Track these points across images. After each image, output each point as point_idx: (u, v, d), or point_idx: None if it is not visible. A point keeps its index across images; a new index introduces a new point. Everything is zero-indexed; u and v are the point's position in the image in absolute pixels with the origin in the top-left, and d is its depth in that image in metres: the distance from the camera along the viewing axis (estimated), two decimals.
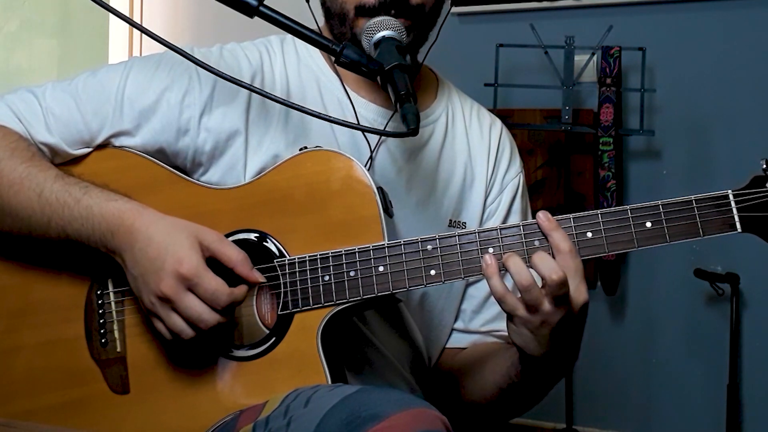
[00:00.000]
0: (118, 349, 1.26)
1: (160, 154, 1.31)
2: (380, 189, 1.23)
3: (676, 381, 2.80)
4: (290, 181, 1.25)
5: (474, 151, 1.45)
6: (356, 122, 1.34)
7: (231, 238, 1.24)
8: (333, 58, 1.19)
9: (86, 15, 3.36)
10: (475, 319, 1.44)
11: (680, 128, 2.78)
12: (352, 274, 1.19)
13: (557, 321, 1.12)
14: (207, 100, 1.30)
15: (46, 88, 1.32)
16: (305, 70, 1.39)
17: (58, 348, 1.27)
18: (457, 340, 1.45)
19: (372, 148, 1.36)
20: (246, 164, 1.31)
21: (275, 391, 1.16)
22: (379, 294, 1.19)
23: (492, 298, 1.20)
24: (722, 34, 2.73)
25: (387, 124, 1.36)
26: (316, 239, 1.22)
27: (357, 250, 1.20)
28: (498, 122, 1.52)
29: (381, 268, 1.19)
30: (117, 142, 1.31)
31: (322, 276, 1.20)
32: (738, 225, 1.14)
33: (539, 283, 1.12)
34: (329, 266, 1.20)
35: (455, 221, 1.41)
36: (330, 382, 1.17)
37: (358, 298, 1.19)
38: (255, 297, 1.27)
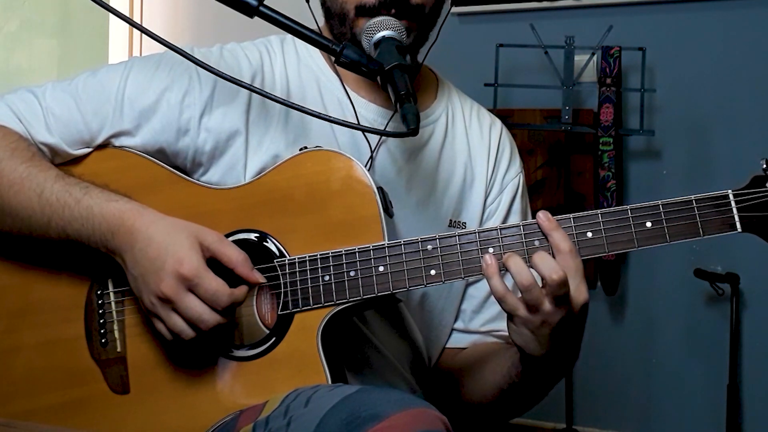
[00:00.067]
0: (118, 349, 1.26)
1: (160, 154, 1.31)
2: (380, 189, 1.23)
3: (676, 381, 2.80)
4: (290, 181, 1.25)
5: (474, 151, 1.45)
6: (356, 122, 1.34)
7: (231, 238, 1.24)
8: (333, 58, 1.19)
9: (86, 15, 3.36)
10: (475, 319, 1.44)
11: (680, 128, 2.78)
12: (352, 274, 1.19)
13: (557, 321, 1.12)
14: (207, 100, 1.30)
15: (46, 88, 1.32)
16: (305, 70, 1.39)
17: (58, 348, 1.27)
18: (457, 340, 1.45)
19: (372, 148, 1.36)
20: (246, 164, 1.31)
21: (275, 391, 1.16)
22: (379, 294, 1.19)
23: (492, 298, 1.20)
24: (722, 34, 2.73)
25: (387, 124, 1.36)
26: (316, 239, 1.22)
27: (357, 250, 1.20)
28: (498, 122, 1.52)
29: (381, 268, 1.19)
30: (117, 142, 1.31)
31: (322, 276, 1.20)
32: (738, 225, 1.14)
33: (539, 283, 1.12)
34: (329, 266, 1.20)
35: (455, 221, 1.41)
36: (330, 382, 1.17)
37: (358, 298, 1.19)
38: (255, 297, 1.27)
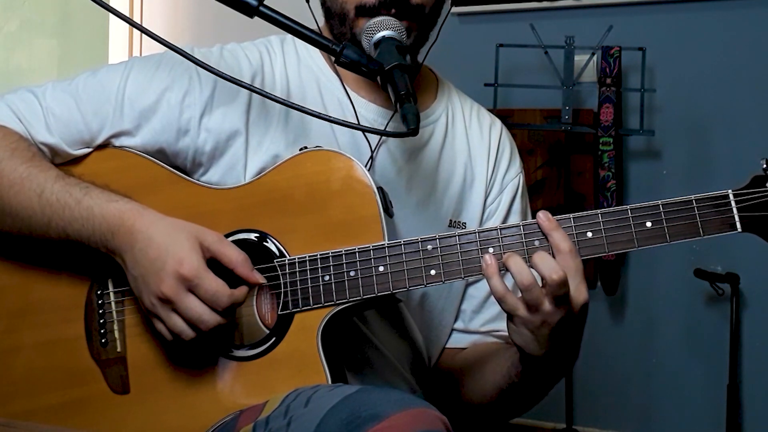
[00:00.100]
0: (118, 349, 1.26)
1: (161, 154, 1.31)
2: (380, 189, 1.23)
3: (676, 381, 2.80)
4: (290, 181, 1.25)
5: (474, 152, 1.45)
6: (356, 122, 1.34)
7: (231, 238, 1.24)
8: (333, 58, 1.19)
9: (86, 15, 3.36)
10: (475, 319, 1.44)
11: (680, 128, 2.78)
12: (352, 274, 1.19)
13: (557, 321, 1.12)
14: (207, 101, 1.30)
15: (46, 88, 1.32)
16: (305, 71, 1.39)
17: (58, 348, 1.27)
18: (457, 340, 1.45)
19: (372, 149, 1.36)
20: (246, 164, 1.31)
21: (275, 391, 1.16)
22: (380, 294, 1.19)
23: (492, 298, 1.20)
24: (722, 34, 2.73)
25: (387, 124, 1.36)
26: (316, 239, 1.22)
27: (357, 250, 1.20)
28: (498, 122, 1.52)
29: (381, 268, 1.19)
30: (117, 142, 1.31)
31: (322, 276, 1.20)
32: (738, 225, 1.14)
33: (539, 283, 1.12)
34: (329, 266, 1.20)
35: (455, 221, 1.41)
36: (330, 382, 1.17)
37: (358, 298, 1.19)
38: (255, 297, 1.27)
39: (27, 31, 3.23)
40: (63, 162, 1.31)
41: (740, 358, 2.68)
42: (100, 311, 1.27)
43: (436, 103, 1.45)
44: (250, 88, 1.21)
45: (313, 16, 1.39)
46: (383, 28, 1.25)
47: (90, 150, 1.32)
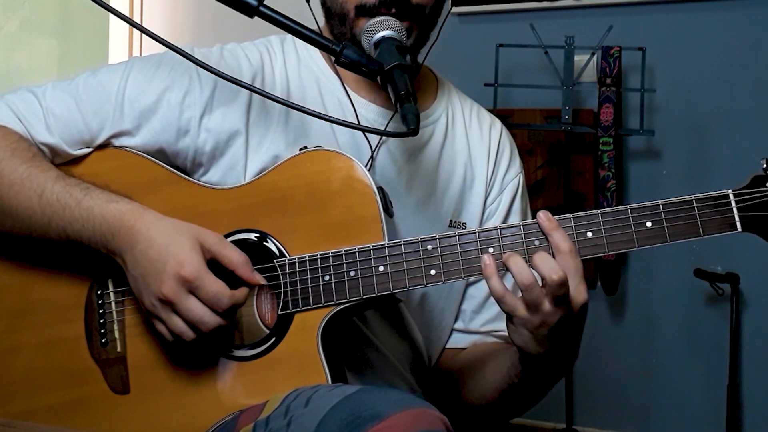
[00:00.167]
0: (119, 349, 1.26)
1: (161, 154, 1.31)
2: (380, 189, 1.23)
3: (676, 381, 2.80)
4: (290, 181, 1.25)
5: (474, 152, 1.45)
6: (357, 122, 1.34)
7: (231, 238, 1.24)
8: (333, 58, 1.19)
9: (86, 15, 3.36)
10: (475, 320, 1.44)
11: (680, 128, 2.78)
12: (352, 273, 1.19)
13: (557, 321, 1.12)
14: (207, 101, 1.30)
15: (46, 88, 1.32)
16: (305, 71, 1.39)
17: (58, 348, 1.27)
18: (457, 341, 1.45)
19: (372, 149, 1.36)
20: (246, 164, 1.31)
21: (275, 391, 1.16)
22: (380, 294, 1.19)
23: (492, 298, 1.20)
24: (722, 34, 2.73)
25: (387, 124, 1.36)
26: (316, 239, 1.22)
27: (357, 249, 1.20)
28: (498, 123, 1.52)
29: (381, 268, 1.19)
30: (117, 142, 1.31)
31: (322, 276, 1.20)
32: (738, 224, 1.14)
33: (539, 283, 1.12)
34: (329, 266, 1.20)
35: (455, 221, 1.41)
36: (330, 382, 1.17)
37: (358, 298, 1.19)
38: (255, 297, 1.27)
39: (27, 31, 3.23)
40: (63, 162, 1.31)
41: (740, 358, 2.68)
42: (100, 311, 1.27)
43: (436, 104, 1.45)
44: (251, 88, 1.21)
45: (314, 16, 1.39)
46: (383, 28, 1.25)
47: (90, 150, 1.32)
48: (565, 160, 2.81)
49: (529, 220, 1.21)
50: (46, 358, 1.26)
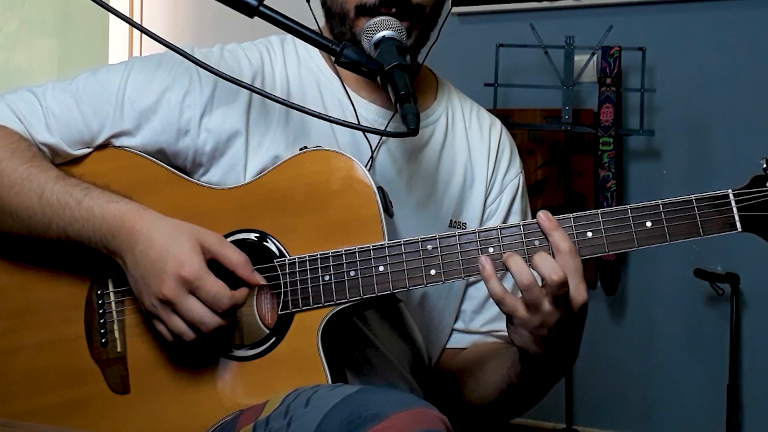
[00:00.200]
0: (119, 349, 1.26)
1: (161, 154, 1.31)
2: (380, 189, 1.23)
3: (676, 381, 2.80)
4: (290, 180, 1.25)
5: (474, 152, 1.45)
6: (357, 122, 1.34)
7: (231, 238, 1.24)
8: (333, 58, 1.19)
9: (86, 15, 3.36)
10: (476, 320, 1.44)
11: (680, 128, 2.78)
12: (352, 273, 1.19)
13: (557, 321, 1.12)
14: (207, 101, 1.30)
15: (46, 87, 1.32)
16: (305, 71, 1.39)
17: (58, 348, 1.27)
18: (458, 341, 1.45)
19: (372, 149, 1.36)
20: (246, 165, 1.31)
21: (275, 391, 1.16)
22: (380, 294, 1.19)
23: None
24: (722, 34, 2.73)
25: (387, 124, 1.36)
26: (316, 239, 1.22)
27: (357, 249, 1.20)
28: (498, 123, 1.52)
29: (381, 268, 1.19)
30: (117, 142, 1.31)
31: (322, 276, 1.20)
32: (738, 224, 1.14)
33: (539, 283, 1.12)
34: (329, 266, 1.20)
35: (455, 222, 1.41)
36: (330, 382, 1.17)
37: (358, 297, 1.19)
38: (255, 297, 1.27)
39: (27, 31, 3.23)
40: (63, 162, 1.31)
41: (740, 358, 2.68)
42: (100, 311, 1.27)
43: (436, 104, 1.45)
44: (251, 89, 1.21)
45: (314, 16, 1.39)
46: (383, 28, 1.25)
47: (90, 150, 1.32)
48: (565, 160, 2.81)
49: (529, 220, 1.21)
50: (46, 358, 1.26)
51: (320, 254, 1.21)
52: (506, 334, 1.21)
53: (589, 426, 2.87)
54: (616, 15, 2.79)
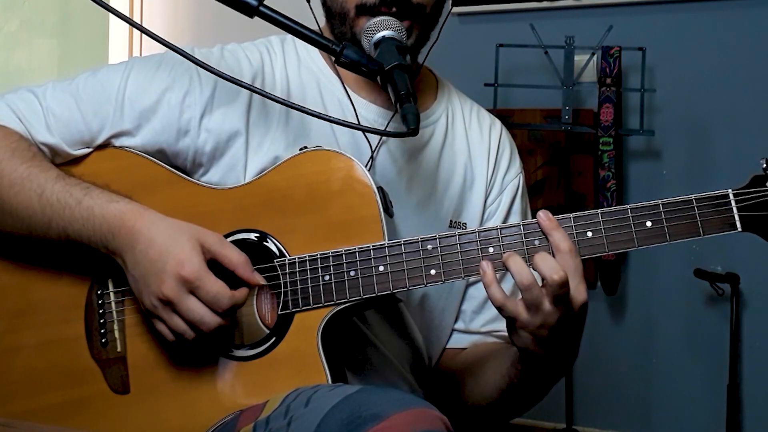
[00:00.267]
0: (119, 349, 1.26)
1: (161, 154, 1.31)
2: (380, 189, 1.23)
3: (676, 381, 2.80)
4: (290, 180, 1.25)
5: (474, 152, 1.45)
6: (357, 123, 1.34)
7: (231, 238, 1.24)
8: (333, 58, 1.19)
9: (86, 15, 3.36)
10: (476, 320, 1.44)
11: (680, 128, 2.78)
12: (352, 273, 1.19)
13: (557, 321, 1.12)
14: (208, 101, 1.30)
15: (46, 87, 1.32)
16: (305, 71, 1.39)
17: (58, 348, 1.27)
18: (458, 341, 1.45)
19: (373, 149, 1.36)
20: (246, 165, 1.31)
21: (275, 391, 1.16)
22: (380, 294, 1.19)
23: None
24: (722, 34, 2.73)
25: (387, 124, 1.36)
26: (316, 239, 1.22)
27: (357, 249, 1.20)
28: (498, 123, 1.52)
29: (381, 268, 1.19)
30: (117, 142, 1.31)
31: (322, 276, 1.20)
32: (738, 224, 1.14)
33: (539, 283, 1.12)
34: (329, 266, 1.20)
35: (456, 222, 1.41)
36: (330, 382, 1.17)
37: (359, 297, 1.19)
38: (255, 297, 1.27)
39: (27, 31, 3.23)
40: (63, 162, 1.31)
41: (740, 358, 2.68)
42: (100, 311, 1.27)
43: (436, 104, 1.45)
44: (251, 89, 1.21)
45: (314, 15, 1.38)
46: (383, 28, 1.25)
47: (90, 150, 1.32)
48: (565, 160, 2.81)
49: (529, 219, 1.21)
50: (46, 358, 1.26)
51: (320, 254, 1.21)
52: (506, 334, 1.21)
53: (588, 426, 2.87)
54: (616, 15, 2.79)
